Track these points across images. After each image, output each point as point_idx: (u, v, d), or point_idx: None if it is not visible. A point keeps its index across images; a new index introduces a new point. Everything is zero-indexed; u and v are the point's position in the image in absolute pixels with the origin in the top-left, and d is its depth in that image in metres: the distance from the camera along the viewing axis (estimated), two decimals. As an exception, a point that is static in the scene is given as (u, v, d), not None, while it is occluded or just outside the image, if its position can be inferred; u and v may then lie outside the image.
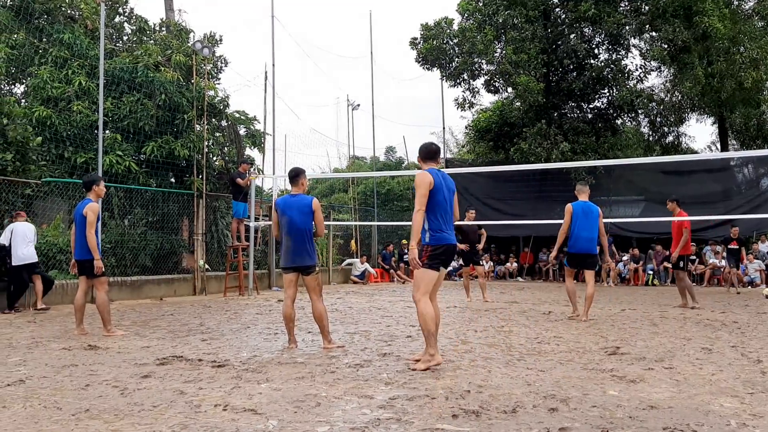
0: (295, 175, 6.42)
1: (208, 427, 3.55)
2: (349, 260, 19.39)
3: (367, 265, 18.87)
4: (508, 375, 4.96)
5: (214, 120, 15.40)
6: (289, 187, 6.58)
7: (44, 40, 13.73)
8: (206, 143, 14.47)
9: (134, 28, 15.93)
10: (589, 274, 8.84)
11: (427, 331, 5.14)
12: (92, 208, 7.24)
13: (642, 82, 21.18)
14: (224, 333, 7.43)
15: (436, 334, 5.22)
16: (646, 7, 19.73)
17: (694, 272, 18.04)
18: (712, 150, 26.06)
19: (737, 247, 15.75)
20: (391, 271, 19.76)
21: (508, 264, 20.95)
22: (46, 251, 11.33)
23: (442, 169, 5.58)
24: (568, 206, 8.85)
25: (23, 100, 13.95)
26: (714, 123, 24.48)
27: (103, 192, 7.75)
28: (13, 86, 14.92)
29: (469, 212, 12.72)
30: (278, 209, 6.33)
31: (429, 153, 5.45)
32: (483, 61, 21.33)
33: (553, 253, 9.90)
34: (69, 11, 14.49)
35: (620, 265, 18.57)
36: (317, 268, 6.32)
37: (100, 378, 4.84)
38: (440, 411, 3.88)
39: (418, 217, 5.18)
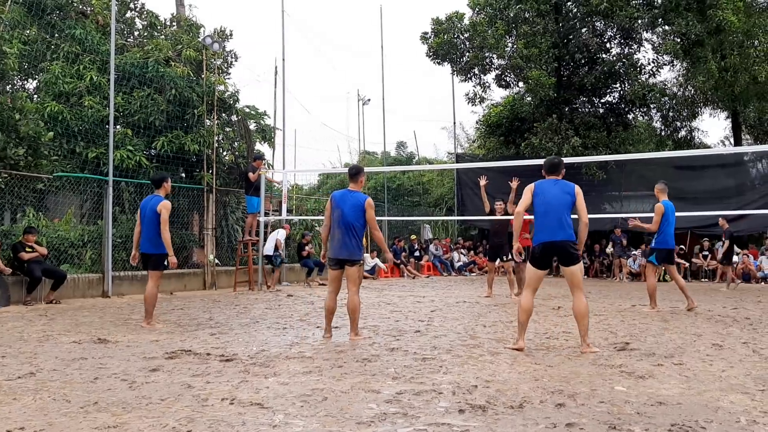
0: (356, 172, 6.78)
1: (214, 420, 3.57)
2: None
3: (377, 260, 18.85)
4: (516, 370, 4.95)
5: (224, 115, 15.43)
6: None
7: (56, 35, 13.81)
8: (216, 138, 14.50)
9: (145, 23, 15.98)
10: (674, 269, 9.87)
11: (517, 320, 5.97)
12: (166, 206, 7.56)
13: (654, 77, 20.98)
14: (233, 327, 7.46)
15: (526, 324, 5.95)
16: (659, 1, 19.54)
17: (706, 267, 17.92)
18: (725, 145, 25.80)
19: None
20: (401, 266, 19.74)
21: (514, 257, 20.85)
22: (57, 245, 11.41)
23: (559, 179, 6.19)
24: (660, 206, 9.32)
25: (35, 96, 14.03)
26: (727, 118, 24.20)
27: (170, 188, 8.04)
28: (25, 82, 15.00)
29: (497, 204, 11.95)
30: (333, 202, 6.60)
31: (550, 167, 6.21)
32: (494, 56, 21.21)
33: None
34: (80, 7, 14.56)
35: (630, 260, 18.45)
36: (362, 262, 6.61)
37: (108, 371, 4.87)
38: (447, 406, 3.87)
39: (514, 220, 6.22)
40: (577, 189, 5.97)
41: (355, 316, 6.58)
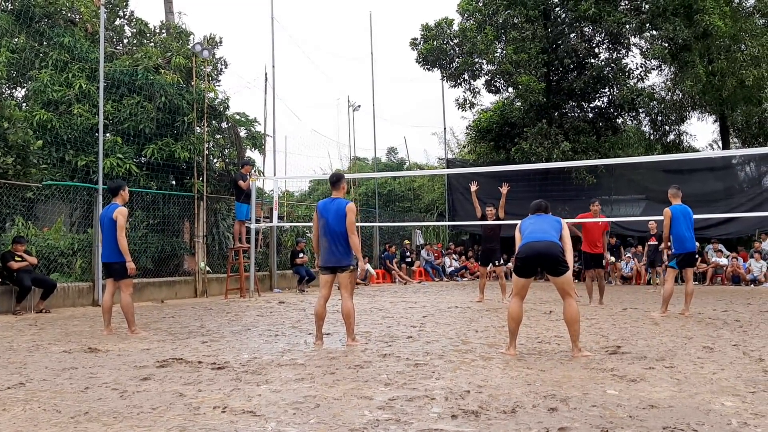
0: (336, 180, 6.87)
1: (206, 429, 3.55)
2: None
3: (368, 266, 18.84)
4: (508, 375, 4.95)
5: (214, 122, 15.39)
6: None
7: (44, 43, 13.74)
8: (206, 145, 14.46)
9: (134, 30, 15.92)
10: (690, 272, 9.50)
11: (508, 327, 6.02)
12: (122, 212, 7.54)
13: (643, 81, 21.13)
14: (224, 335, 7.43)
15: (516, 331, 6.01)
16: (647, 6, 19.68)
17: (696, 271, 18.01)
18: (713, 148, 25.99)
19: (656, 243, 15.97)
20: (393, 271, 19.73)
21: (510, 263, 20.92)
22: (47, 254, 11.35)
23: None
24: (667, 210, 9.21)
25: (24, 104, 13.94)
26: (715, 121, 24.40)
27: (127, 196, 8.00)
28: (13, 90, 14.91)
29: (488, 209, 11.95)
30: (318, 212, 6.72)
31: (537, 208, 6.33)
32: (483, 61, 21.29)
33: (666, 250, 9.66)
34: (69, 15, 14.48)
35: (622, 263, 18.52)
36: (352, 268, 6.63)
37: (99, 380, 4.83)
38: (440, 411, 3.87)
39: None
40: (564, 222, 6.20)
41: (349, 322, 6.61)
